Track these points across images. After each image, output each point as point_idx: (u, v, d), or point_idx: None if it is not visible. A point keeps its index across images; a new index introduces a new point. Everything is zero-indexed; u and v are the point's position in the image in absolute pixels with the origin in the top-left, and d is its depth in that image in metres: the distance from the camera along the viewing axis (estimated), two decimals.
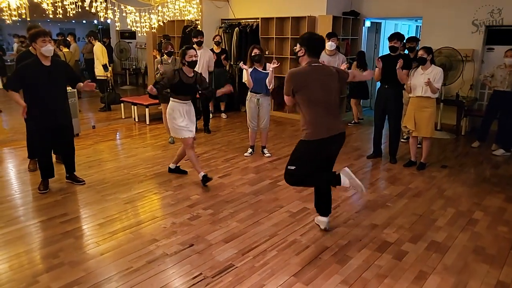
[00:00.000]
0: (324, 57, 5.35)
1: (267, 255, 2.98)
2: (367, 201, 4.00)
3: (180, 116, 4.22)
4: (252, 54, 5.04)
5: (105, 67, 8.07)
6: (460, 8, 6.77)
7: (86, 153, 5.41)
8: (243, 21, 8.35)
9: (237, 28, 8.18)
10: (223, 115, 7.88)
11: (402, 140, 5.88)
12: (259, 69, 5.07)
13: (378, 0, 7.61)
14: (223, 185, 4.34)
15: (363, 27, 7.91)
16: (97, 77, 8.15)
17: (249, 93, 5.19)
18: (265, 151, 5.42)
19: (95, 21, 14.66)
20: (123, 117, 7.47)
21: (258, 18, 8.06)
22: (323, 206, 3.33)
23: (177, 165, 4.68)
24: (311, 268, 2.81)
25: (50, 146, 4.19)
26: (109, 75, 8.15)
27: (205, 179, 4.25)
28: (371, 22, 8.19)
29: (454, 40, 6.64)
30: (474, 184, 4.49)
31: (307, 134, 3.03)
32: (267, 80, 5.05)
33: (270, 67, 4.98)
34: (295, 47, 3.16)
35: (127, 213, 3.64)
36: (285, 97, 3.15)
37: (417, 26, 10.04)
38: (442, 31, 6.91)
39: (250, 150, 5.43)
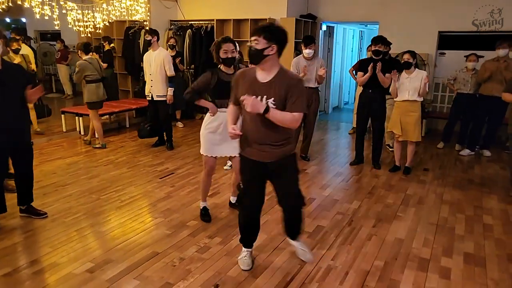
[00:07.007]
0: (301, 62, 5.07)
1: None
2: (376, 212, 3.78)
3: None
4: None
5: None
6: (416, 14, 7.00)
7: (34, 176, 4.42)
8: (195, 23, 7.77)
9: (189, 30, 7.58)
10: (180, 124, 7.23)
11: (390, 149, 5.84)
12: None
13: (335, 4, 7.59)
14: (217, 206, 3.80)
15: (320, 30, 7.83)
16: None
17: None
18: None
19: (7, 19, 12.81)
20: (64, 130, 6.43)
21: (211, 20, 7.55)
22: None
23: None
24: None
25: (3, 172, 3.32)
26: None
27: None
28: (326, 26, 8.16)
29: (410, 45, 6.80)
30: (464, 186, 4.52)
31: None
32: None
33: None
34: (253, 39, 2.32)
35: (118, 251, 2.94)
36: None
37: (360, 31, 10.35)
38: (398, 36, 7.06)
39: (229, 163, 4.93)
